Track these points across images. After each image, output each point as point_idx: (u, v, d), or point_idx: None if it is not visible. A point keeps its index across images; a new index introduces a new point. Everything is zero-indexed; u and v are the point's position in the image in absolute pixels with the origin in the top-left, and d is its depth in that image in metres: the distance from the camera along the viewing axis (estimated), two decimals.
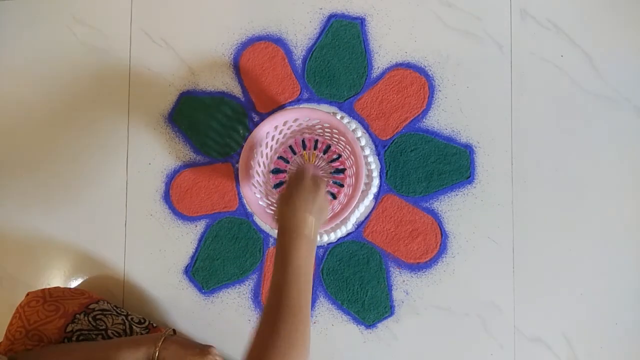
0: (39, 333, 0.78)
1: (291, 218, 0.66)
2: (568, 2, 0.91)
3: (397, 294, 0.92)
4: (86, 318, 0.82)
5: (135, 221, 0.98)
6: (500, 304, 0.90)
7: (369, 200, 0.93)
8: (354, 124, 0.94)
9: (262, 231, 0.95)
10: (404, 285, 0.92)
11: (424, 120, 0.93)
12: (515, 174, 0.91)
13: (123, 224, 0.98)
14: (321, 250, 0.94)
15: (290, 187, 0.71)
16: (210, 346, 0.81)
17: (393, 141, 0.93)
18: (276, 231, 0.68)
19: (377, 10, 0.95)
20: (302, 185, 0.70)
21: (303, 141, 0.95)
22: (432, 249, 0.91)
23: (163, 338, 0.78)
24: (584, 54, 0.90)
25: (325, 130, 0.87)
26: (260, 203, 0.84)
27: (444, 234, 0.91)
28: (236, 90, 0.97)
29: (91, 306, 0.85)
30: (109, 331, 0.83)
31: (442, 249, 0.91)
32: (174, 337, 0.82)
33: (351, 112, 0.94)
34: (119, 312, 0.88)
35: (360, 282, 0.92)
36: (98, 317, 0.83)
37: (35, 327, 0.78)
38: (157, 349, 0.76)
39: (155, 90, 0.99)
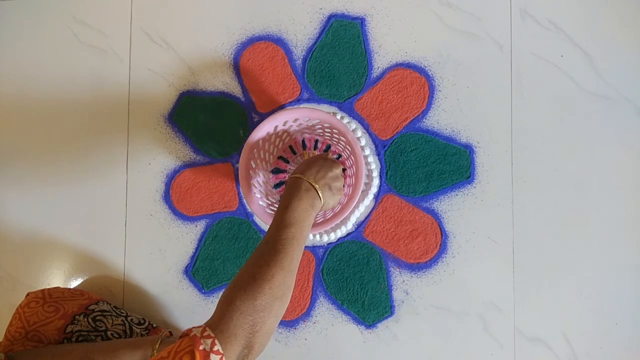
0: (38, 334, 0.78)
1: (297, 178, 0.74)
2: (568, 2, 0.91)
3: (397, 294, 0.92)
4: (86, 319, 0.82)
5: (135, 221, 0.98)
6: (500, 304, 0.90)
7: (369, 200, 0.93)
8: (354, 124, 0.94)
9: (262, 231, 0.95)
10: (404, 285, 0.92)
11: (424, 120, 0.93)
12: (515, 174, 0.91)
13: (123, 224, 0.98)
14: (321, 250, 0.94)
15: (308, 159, 0.80)
16: None
17: (393, 141, 0.93)
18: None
19: (377, 10, 0.95)
20: (318, 160, 0.78)
21: (303, 141, 0.95)
22: (432, 249, 0.91)
23: (160, 340, 0.78)
24: (584, 54, 0.90)
25: (325, 130, 0.87)
26: (260, 203, 0.84)
27: (444, 234, 0.91)
28: (236, 90, 0.97)
29: (90, 307, 0.85)
30: (109, 332, 0.82)
31: (442, 249, 0.91)
32: (171, 338, 0.82)
33: (351, 112, 0.94)
34: (119, 313, 0.88)
35: (360, 282, 0.92)
36: (98, 318, 0.83)
37: (35, 328, 0.78)
38: (155, 351, 0.76)
39: (155, 90, 0.99)
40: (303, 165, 0.77)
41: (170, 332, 0.84)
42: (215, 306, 0.61)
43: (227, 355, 0.55)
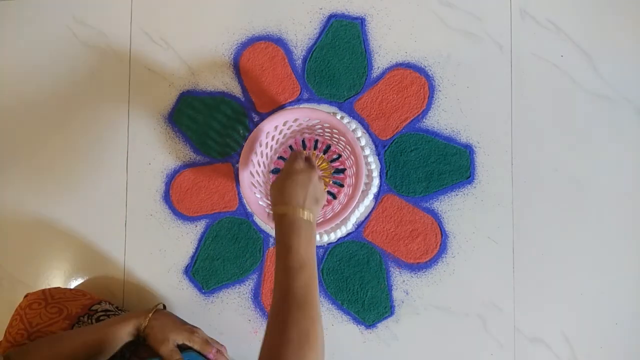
0: (42, 335, 0.77)
1: (285, 212, 0.67)
2: (568, 2, 0.91)
3: (397, 294, 0.92)
4: (90, 320, 0.81)
5: (135, 221, 0.98)
6: (500, 304, 0.90)
7: (369, 200, 0.93)
8: (354, 124, 0.94)
9: (262, 231, 0.95)
10: (404, 285, 0.92)
11: (424, 120, 0.93)
12: (515, 174, 0.91)
13: (123, 224, 0.98)
14: (321, 250, 0.94)
15: (281, 178, 0.71)
16: (197, 328, 0.81)
17: (393, 141, 0.93)
18: (274, 226, 0.69)
19: (377, 10, 0.95)
20: (294, 176, 0.69)
21: (303, 141, 0.95)
22: (432, 249, 0.91)
23: (154, 309, 0.78)
24: (584, 54, 0.90)
25: (325, 130, 0.87)
26: (260, 203, 0.84)
27: (444, 234, 0.91)
28: (236, 90, 0.97)
29: (94, 307, 0.85)
30: None
31: (442, 249, 0.91)
32: (165, 310, 0.82)
33: (351, 112, 0.94)
34: (122, 312, 0.88)
35: (360, 282, 0.92)
36: (101, 318, 0.83)
37: (38, 329, 0.78)
38: (148, 319, 0.76)
39: (155, 90, 0.99)
40: (280, 191, 0.69)
41: (164, 304, 0.84)
42: None
43: None
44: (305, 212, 0.66)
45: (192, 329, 0.78)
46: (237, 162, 0.90)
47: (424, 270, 0.92)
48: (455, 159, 0.92)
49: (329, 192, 0.94)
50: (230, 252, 0.95)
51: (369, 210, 0.93)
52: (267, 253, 0.95)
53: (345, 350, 0.92)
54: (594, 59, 0.90)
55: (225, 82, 0.97)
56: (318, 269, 0.93)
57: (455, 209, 0.91)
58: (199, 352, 0.77)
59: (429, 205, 0.92)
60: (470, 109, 0.92)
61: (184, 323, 0.79)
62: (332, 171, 0.94)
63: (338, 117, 0.92)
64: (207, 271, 0.96)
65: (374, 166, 0.93)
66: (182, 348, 0.77)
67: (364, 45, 0.95)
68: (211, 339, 0.80)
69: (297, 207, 0.66)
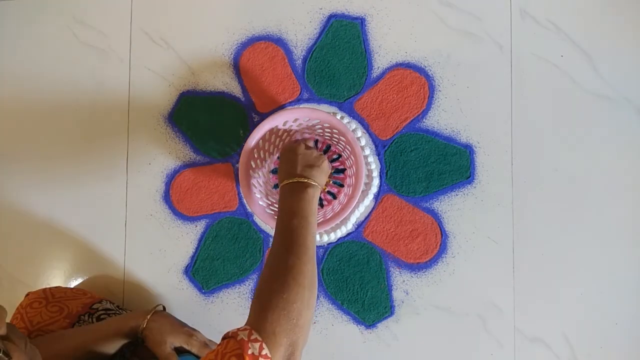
0: (42, 334, 0.77)
1: (281, 185, 0.76)
2: (568, 2, 0.91)
3: (397, 294, 0.92)
4: (90, 319, 0.82)
5: (135, 221, 0.98)
6: (500, 304, 0.90)
7: (369, 200, 0.93)
8: (354, 124, 0.94)
9: (262, 231, 0.95)
10: (404, 285, 0.92)
11: (424, 120, 0.93)
12: (515, 174, 0.91)
13: (123, 224, 0.98)
14: (321, 250, 0.94)
15: (286, 150, 0.82)
16: (196, 330, 0.81)
17: (393, 141, 0.93)
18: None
19: (377, 10, 0.95)
20: (282, 157, 0.82)
21: None
22: (432, 249, 0.92)
23: (153, 311, 0.78)
24: (584, 54, 0.90)
25: (325, 130, 0.87)
26: (260, 203, 0.84)
27: (444, 234, 0.91)
28: (236, 90, 0.97)
29: (94, 306, 0.85)
30: None
31: (442, 249, 0.91)
32: (165, 312, 0.81)
33: (351, 112, 0.94)
34: (123, 310, 0.88)
35: (360, 282, 0.92)
36: (102, 317, 0.83)
37: (39, 328, 0.78)
38: (146, 320, 0.76)
39: (155, 90, 0.99)
40: (280, 173, 0.80)
41: (163, 306, 0.84)
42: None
43: (275, 358, 0.55)
44: (296, 178, 0.75)
45: (190, 332, 0.78)
46: (237, 162, 0.90)
47: (424, 270, 0.92)
48: (455, 159, 0.92)
49: (329, 192, 0.94)
50: (230, 252, 0.95)
51: (369, 210, 0.93)
52: (267, 253, 0.95)
53: (345, 350, 0.92)
54: (594, 59, 0.90)
55: (225, 82, 0.97)
56: (318, 268, 0.93)
57: (455, 209, 0.91)
58: (196, 356, 0.77)
59: (429, 205, 0.92)
60: (470, 109, 0.92)
61: (182, 325, 0.79)
62: (332, 171, 0.94)
63: (338, 117, 0.92)
64: (207, 271, 0.96)
65: (374, 166, 0.93)
66: (181, 351, 0.76)
67: (364, 45, 0.95)
68: (210, 341, 0.80)
69: (289, 177, 0.76)
